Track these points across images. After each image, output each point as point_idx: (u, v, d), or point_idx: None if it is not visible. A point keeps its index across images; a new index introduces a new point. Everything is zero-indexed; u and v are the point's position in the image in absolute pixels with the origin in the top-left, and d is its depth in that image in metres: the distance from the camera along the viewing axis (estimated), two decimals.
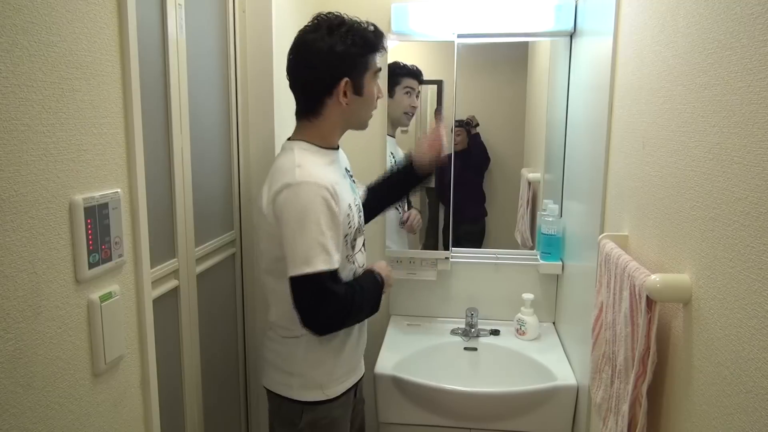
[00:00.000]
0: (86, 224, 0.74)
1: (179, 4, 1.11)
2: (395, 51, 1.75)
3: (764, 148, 0.61)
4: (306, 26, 1.18)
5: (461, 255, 1.83)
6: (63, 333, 0.72)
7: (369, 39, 1.17)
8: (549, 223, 1.71)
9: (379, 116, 1.28)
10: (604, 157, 1.20)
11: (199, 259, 1.26)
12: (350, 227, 1.19)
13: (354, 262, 1.24)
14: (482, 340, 1.74)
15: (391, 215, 1.79)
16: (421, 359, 1.64)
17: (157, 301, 1.01)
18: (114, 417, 0.84)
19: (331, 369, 1.21)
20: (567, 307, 1.67)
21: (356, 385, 1.30)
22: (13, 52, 0.62)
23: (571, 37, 1.66)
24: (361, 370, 1.33)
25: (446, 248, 1.80)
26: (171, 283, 1.14)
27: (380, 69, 1.24)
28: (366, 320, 1.32)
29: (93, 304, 0.77)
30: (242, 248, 1.49)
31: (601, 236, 1.09)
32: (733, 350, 0.67)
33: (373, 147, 1.79)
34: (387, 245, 1.82)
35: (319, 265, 1.06)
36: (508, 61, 1.79)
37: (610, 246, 1.02)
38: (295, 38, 1.18)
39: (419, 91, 1.76)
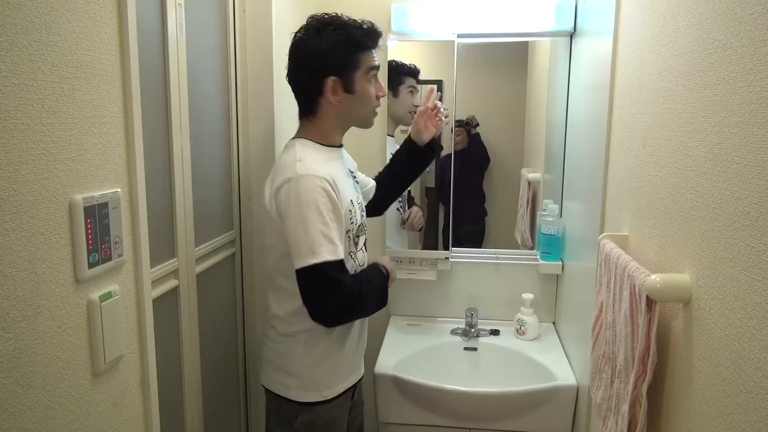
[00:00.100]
0: (86, 224, 0.74)
1: (179, 4, 1.11)
2: (395, 51, 1.75)
3: (764, 148, 0.61)
4: (300, 28, 1.19)
5: (461, 255, 1.83)
6: (63, 333, 0.72)
7: (356, 37, 1.16)
8: (549, 223, 1.71)
9: (379, 116, 1.28)
10: (604, 157, 1.20)
11: (199, 259, 1.26)
12: (352, 223, 1.19)
13: (355, 260, 1.24)
14: (482, 340, 1.74)
15: (392, 215, 1.79)
16: (421, 359, 1.64)
17: (156, 301, 1.01)
18: (114, 417, 0.83)
19: (330, 368, 1.21)
20: (567, 307, 1.67)
21: (355, 386, 1.30)
22: (13, 51, 0.62)
23: (571, 37, 1.66)
24: (361, 371, 1.33)
25: (446, 248, 1.80)
26: (171, 283, 1.14)
27: (377, 67, 1.22)
28: (367, 320, 1.32)
29: (93, 304, 0.77)
30: (242, 248, 1.49)
31: (601, 236, 1.09)
32: (733, 350, 0.67)
33: (373, 147, 1.79)
34: (387, 245, 1.82)
35: (325, 255, 1.06)
36: (508, 61, 1.79)
37: (610, 246, 1.02)
38: (291, 40, 1.20)
39: (419, 90, 1.77)
